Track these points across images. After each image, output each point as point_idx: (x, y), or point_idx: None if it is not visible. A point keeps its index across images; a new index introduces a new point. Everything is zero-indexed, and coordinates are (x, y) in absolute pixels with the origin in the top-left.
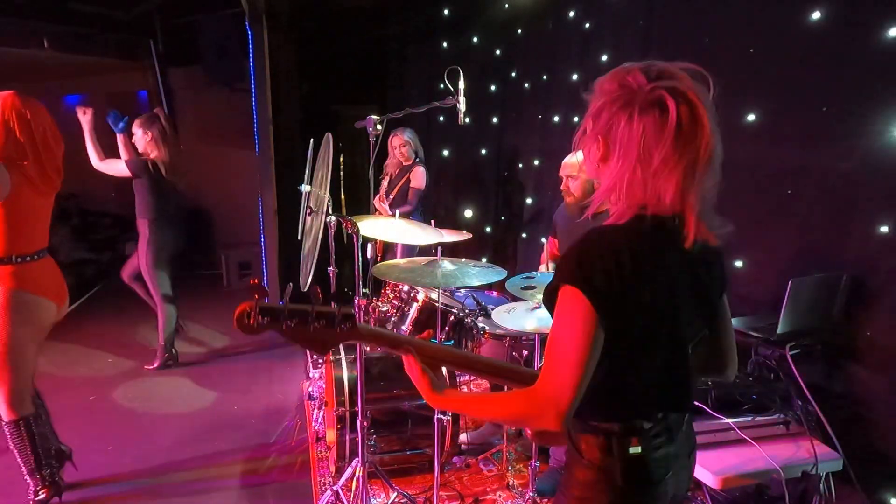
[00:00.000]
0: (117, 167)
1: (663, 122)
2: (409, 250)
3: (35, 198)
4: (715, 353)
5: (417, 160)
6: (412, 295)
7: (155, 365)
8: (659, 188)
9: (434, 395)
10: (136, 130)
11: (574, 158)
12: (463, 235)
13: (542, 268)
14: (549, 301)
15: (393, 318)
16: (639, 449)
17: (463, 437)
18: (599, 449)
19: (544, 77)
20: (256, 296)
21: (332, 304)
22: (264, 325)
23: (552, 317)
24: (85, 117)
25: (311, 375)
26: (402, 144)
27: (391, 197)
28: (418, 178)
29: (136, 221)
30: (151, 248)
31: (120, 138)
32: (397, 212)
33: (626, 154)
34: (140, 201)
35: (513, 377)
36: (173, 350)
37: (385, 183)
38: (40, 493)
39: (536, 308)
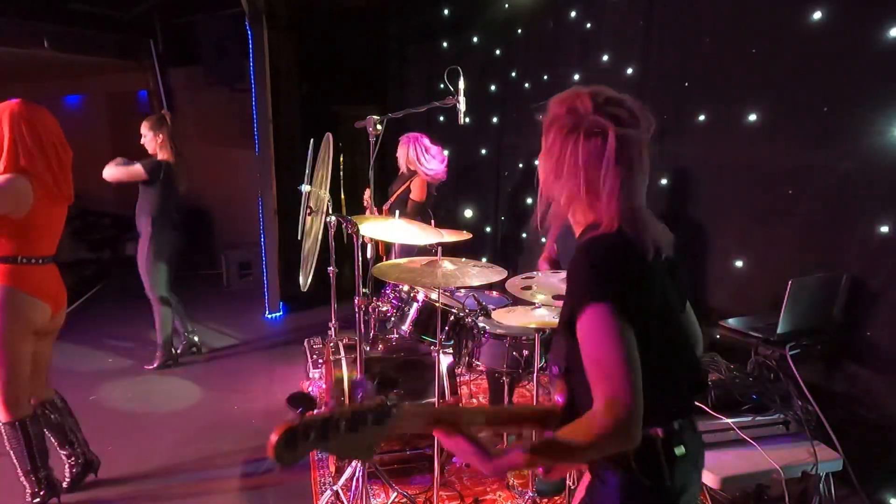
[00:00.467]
0: (132, 171)
1: (603, 149)
2: (408, 251)
3: (52, 207)
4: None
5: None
6: (412, 295)
7: (154, 365)
8: (609, 207)
9: (492, 460)
10: (146, 132)
11: None
12: (463, 235)
13: (544, 266)
14: (570, 327)
15: (393, 318)
16: (683, 450)
17: None
18: (645, 455)
19: (544, 77)
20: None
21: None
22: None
23: (579, 340)
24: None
25: (311, 375)
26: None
27: (389, 202)
28: (418, 189)
29: (136, 221)
30: (152, 246)
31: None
32: (397, 212)
33: (573, 174)
34: (144, 200)
35: (546, 416)
36: (173, 350)
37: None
38: (38, 494)
39: (537, 308)
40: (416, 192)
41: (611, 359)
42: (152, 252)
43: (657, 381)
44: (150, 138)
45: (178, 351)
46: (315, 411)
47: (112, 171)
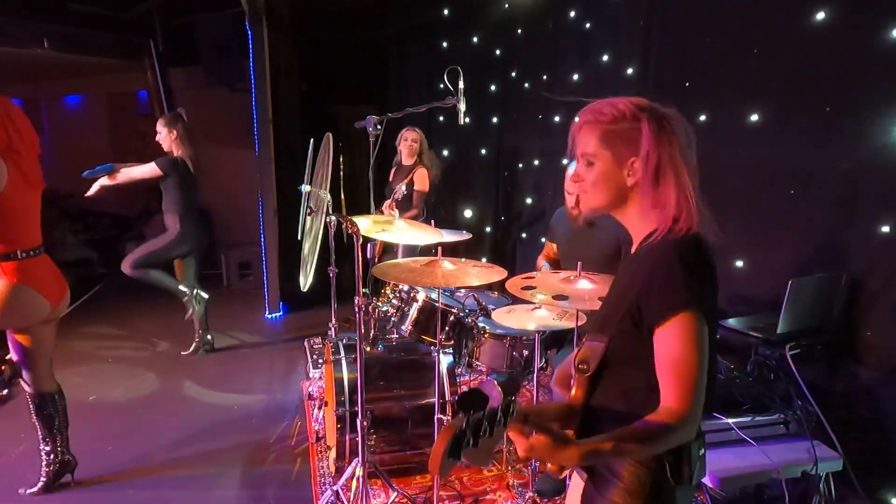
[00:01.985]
0: (146, 170)
1: (687, 147)
2: (411, 251)
3: (28, 191)
4: None
5: (419, 161)
6: (412, 295)
7: (190, 350)
8: (689, 206)
9: (579, 446)
10: (161, 129)
11: None
12: (463, 235)
13: (545, 266)
14: (635, 326)
15: (393, 318)
16: (702, 450)
17: None
18: (670, 455)
19: (544, 77)
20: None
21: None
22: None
23: (661, 343)
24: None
25: (311, 375)
26: (413, 139)
27: (393, 197)
28: (421, 180)
29: (164, 218)
30: (173, 240)
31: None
32: (397, 212)
33: (671, 174)
34: (169, 198)
35: (569, 414)
36: (209, 336)
37: (402, 188)
38: (53, 465)
39: (537, 308)
40: (421, 183)
41: (692, 363)
42: (168, 244)
43: (708, 381)
44: (164, 135)
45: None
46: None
47: (126, 175)
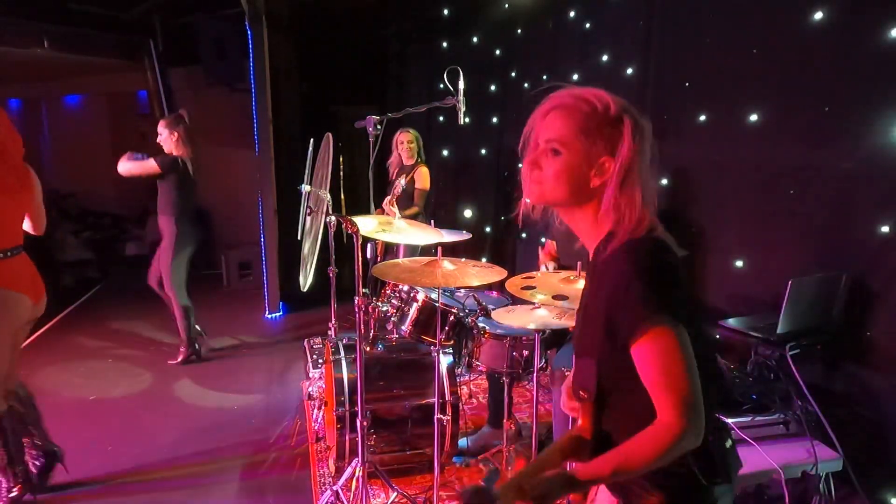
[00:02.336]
0: (146, 165)
1: (641, 146)
2: (412, 251)
3: (2, 194)
4: None
5: (420, 160)
6: (412, 295)
7: (178, 360)
8: (641, 207)
9: (578, 473)
10: (162, 130)
11: None
12: (463, 235)
13: (542, 268)
14: (615, 346)
15: (393, 319)
16: (729, 441)
17: (462, 440)
18: (696, 458)
19: (544, 77)
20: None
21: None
22: None
23: (639, 360)
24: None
25: (311, 375)
26: (408, 141)
27: (394, 195)
28: (423, 178)
29: (158, 219)
30: (175, 245)
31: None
32: (397, 212)
33: (638, 182)
34: (165, 199)
35: (578, 447)
36: (196, 345)
37: (401, 183)
38: (13, 489)
39: (537, 308)
40: (422, 182)
41: (677, 373)
42: (175, 250)
43: (706, 376)
44: (166, 136)
45: (198, 347)
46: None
47: (127, 166)
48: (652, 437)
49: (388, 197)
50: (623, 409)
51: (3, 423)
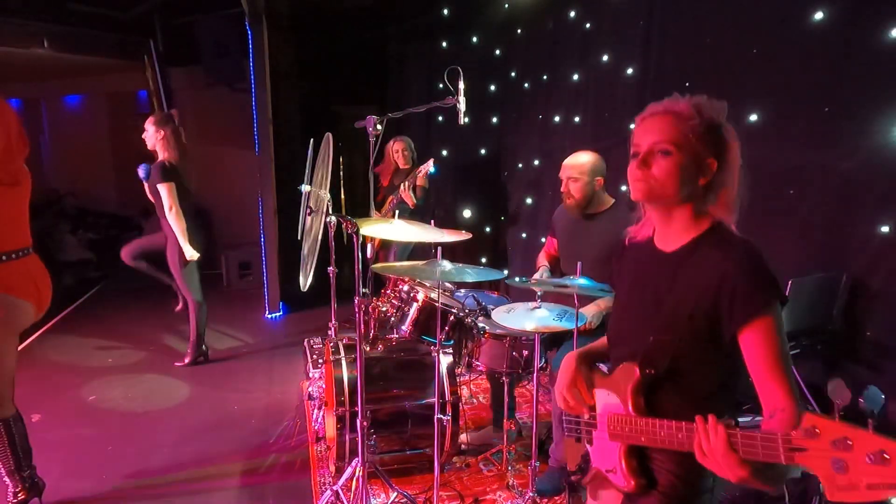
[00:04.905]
0: (180, 223)
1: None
2: (403, 250)
3: (6, 194)
4: None
5: (415, 164)
6: (412, 295)
7: (186, 361)
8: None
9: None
10: (149, 127)
11: (575, 160)
12: (462, 235)
13: (542, 268)
14: (712, 326)
15: (393, 318)
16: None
17: (463, 437)
18: None
19: (544, 77)
20: None
21: None
22: None
23: (756, 343)
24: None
25: (311, 375)
26: (403, 149)
27: (397, 195)
28: (422, 177)
29: (161, 224)
30: (179, 247)
31: (147, 187)
32: (397, 212)
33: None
34: (160, 204)
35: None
36: (204, 347)
37: (406, 185)
38: (19, 493)
39: (537, 308)
40: (422, 179)
41: (788, 358)
42: (181, 254)
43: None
44: (151, 133)
45: (206, 348)
46: None
47: (175, 224)
48: (784, 425)
49: (403, 190)
50: (683, 393)
51: (12, 428)
